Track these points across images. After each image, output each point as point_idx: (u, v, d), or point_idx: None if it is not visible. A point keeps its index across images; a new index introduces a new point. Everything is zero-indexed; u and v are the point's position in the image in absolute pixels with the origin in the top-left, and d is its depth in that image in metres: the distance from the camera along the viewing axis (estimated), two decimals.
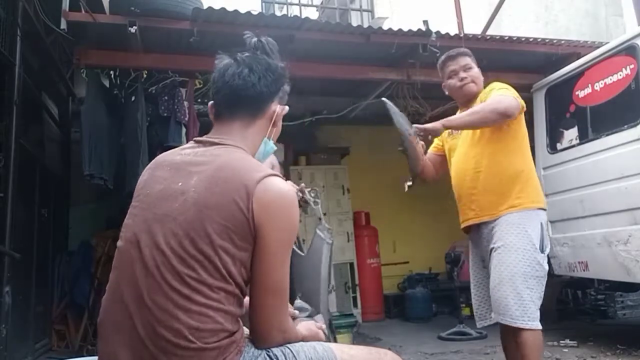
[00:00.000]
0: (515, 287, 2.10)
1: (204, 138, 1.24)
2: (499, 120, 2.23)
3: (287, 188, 1.13)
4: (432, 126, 2.23)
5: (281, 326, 1.11)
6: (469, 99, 2.45)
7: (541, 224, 2.23)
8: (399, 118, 2.21)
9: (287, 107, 1.29)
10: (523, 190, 2.26)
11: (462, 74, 2.43)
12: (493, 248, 2.22)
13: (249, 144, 1.22)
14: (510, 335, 2.18)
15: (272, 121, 1.25)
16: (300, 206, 2.05)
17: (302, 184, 2.27)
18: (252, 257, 1.08)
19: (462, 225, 2.45)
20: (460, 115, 2.33)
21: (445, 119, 2.27)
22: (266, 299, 1.09)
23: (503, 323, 2.15)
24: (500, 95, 2.28)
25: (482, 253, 2.37)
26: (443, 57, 2.54)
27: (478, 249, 2.41)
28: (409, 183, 2.38)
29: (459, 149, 2.43)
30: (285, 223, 1.10)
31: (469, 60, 2.47)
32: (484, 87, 2.45)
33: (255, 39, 1.26)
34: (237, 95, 1.21)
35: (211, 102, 1.27)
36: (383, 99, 2.29)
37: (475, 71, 2.46)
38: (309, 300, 1.82)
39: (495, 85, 2.40)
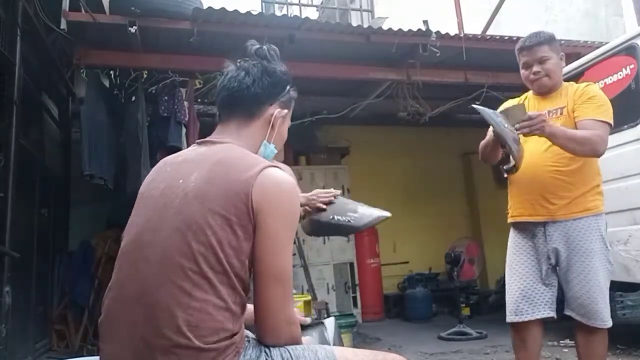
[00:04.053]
0: (602, 292, 2.18)
1: (204, 139, 1.27)
2: (589, 156, 2.21)
3: (285, 176, 1.15)
4: (539, 128, 2.08)
5: (287, 317, 1.11)
6: (544, 92, 2.35)
7: (606, 223, 2.28)
8: (497, 120, 2.06)
9: (285, 111, 1.29)
10: (599, 193, 2.26)
11: (536, 68, 2.29)
12: (572, 252, 2.20)
13: (249, 143, 1.24)
14: (587, 333, 2.23)
15: (271, 124, 1.26)
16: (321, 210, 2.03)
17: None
18: (255, 246, 1.08)
19: (526, 220, 2.32)
20: (564, 135, 2.14)
21: (551, 131, 2.11)
22: (270, 287, 1.09)
23: (593, 326, 2.19)
24: (603, 124, 2.17)
25: (540, 249, 2.28)
26: (519, 44, 2.36)
27: (533, 243, 2.31)
28: (509, 166, 2.24)
29: (533, 142, 2.23)
30: (283, 208, 1.11)
31: (545, 51, 2.29)
32: (580, 83, 2.35)
33: (256, 46, 1.30)
34: (232, 97, 1.26)
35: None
36: (474, 105, 2.15)
37: (552, 63, 2.30)
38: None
39: (596, 95, 2.25)
